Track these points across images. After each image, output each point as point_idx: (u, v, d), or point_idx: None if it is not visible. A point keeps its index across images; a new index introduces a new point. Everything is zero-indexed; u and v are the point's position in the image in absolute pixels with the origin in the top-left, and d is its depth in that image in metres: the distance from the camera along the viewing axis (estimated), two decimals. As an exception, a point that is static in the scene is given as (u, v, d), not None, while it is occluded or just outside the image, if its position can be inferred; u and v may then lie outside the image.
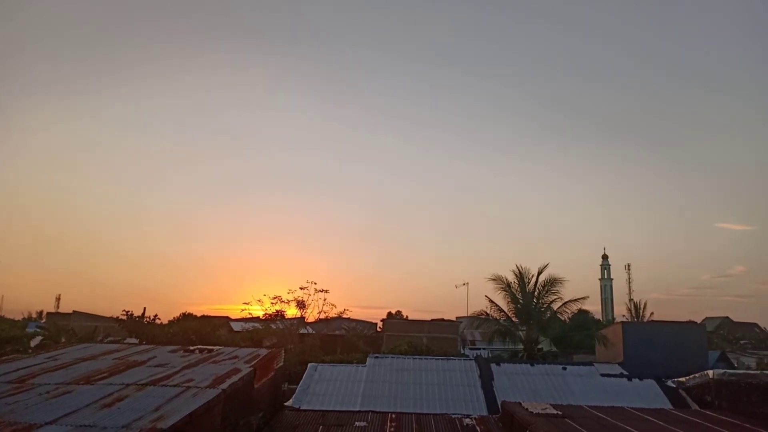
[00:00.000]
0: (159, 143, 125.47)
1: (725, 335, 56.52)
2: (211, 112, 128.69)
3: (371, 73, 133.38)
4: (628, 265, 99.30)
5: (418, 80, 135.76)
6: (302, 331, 34.07)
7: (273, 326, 33.34)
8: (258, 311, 33.77)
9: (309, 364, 16.05)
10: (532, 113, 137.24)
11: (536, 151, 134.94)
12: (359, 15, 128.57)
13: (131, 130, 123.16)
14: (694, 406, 11.79)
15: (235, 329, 37.20)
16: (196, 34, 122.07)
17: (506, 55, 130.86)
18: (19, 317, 60.57)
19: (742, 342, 53.40)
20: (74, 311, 56.24)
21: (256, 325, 34.87)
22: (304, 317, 34.08)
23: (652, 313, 55.88)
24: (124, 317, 28.42)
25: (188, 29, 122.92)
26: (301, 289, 33.32)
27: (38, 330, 37.41)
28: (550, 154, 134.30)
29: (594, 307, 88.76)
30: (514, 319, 28.42)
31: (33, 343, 28.89)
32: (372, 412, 10.87)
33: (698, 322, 56.67)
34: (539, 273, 28.60)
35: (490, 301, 28.84)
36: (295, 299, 33.12)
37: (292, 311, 33.45)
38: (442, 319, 47.55)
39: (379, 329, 49.19)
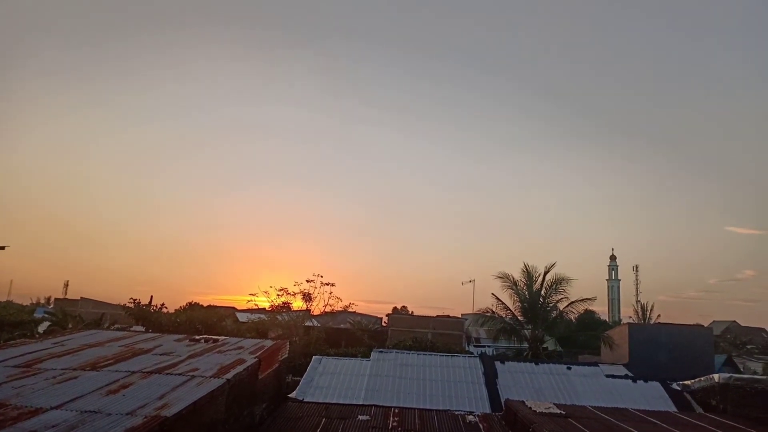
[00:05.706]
0: (167, 133, 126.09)
1: (732, 339, 56.23)
2: (215, 104, 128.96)
3: (373, 65, 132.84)
4: (636, 267, 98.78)
5: (422, 74, 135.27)
6: (307, 323, 34.19)
7: (278, 318, 33.46)
8: (264, 303, 33.90)
9: (313, 357, 16.11)
10: (539, 110, 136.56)
11: (544, 148, 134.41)
12: (357, 5, 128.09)
13: (138, 120, 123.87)
14: (699, 410, 11.72)
15: (241, 320, 37.45)
16: (191, 24, 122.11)
17: (513, 49, 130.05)
18: (27, 302, 61.40)
19: (748, 346, 53.10)
20: (82, 298, 56.90)
21: (262, 316, 35.05)
22: (310, 310, 34.16)
23: (659, 315, 55.80)
24: (131, 305, 28.67)
25: (182, 19, 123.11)
26: (307, 281, 33.45)
27: (46, 315, 37.89)
28: (559, 153, 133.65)
29: (600, 307, 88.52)
30: (519, 317, 28.35)
31: (40, 329, 29.27)
32: (375, 406, 10.87)
33: (705, 325, 56.51)
34: (546, 272, 28.53)
35: (497, 298, 28.81)
36: (302, 292, 33.22)
37: (297, 304, 33.54)
38: (448, 316, 47.60)
39: (384, 324, 49.27)
